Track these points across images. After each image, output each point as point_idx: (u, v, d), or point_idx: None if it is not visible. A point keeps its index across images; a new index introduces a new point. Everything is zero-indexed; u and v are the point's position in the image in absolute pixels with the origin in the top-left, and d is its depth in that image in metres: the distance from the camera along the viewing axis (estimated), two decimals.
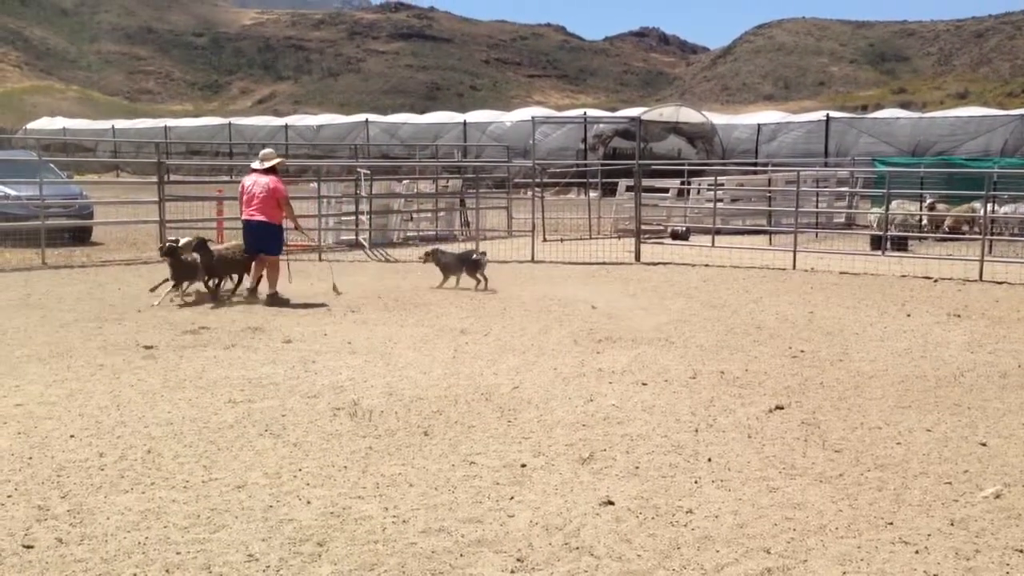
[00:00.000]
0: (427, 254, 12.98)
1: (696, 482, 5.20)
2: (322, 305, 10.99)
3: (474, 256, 12.80)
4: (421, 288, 12.56)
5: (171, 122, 55.67)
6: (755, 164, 30.45)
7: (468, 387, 7.22)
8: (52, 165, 20.25)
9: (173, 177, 18.34)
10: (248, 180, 11.43)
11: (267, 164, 11.46)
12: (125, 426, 6.05)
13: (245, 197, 11.35)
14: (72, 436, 5.81)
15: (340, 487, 5.06)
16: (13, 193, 17.09)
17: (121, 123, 57.61)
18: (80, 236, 17.54)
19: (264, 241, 11.29)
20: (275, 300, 11.04)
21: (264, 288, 11.24)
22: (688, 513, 4.75)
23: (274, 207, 11.24)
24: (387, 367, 7.87)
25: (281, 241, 11.63)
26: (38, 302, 10.89)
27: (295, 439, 5.86)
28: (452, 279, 12.58)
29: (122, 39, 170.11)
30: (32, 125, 59.68)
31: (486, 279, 12.49)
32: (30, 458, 5.39)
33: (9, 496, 4.81)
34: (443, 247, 13.88)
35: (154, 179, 16.59)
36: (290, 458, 5.50)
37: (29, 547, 4.23)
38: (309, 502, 4.83)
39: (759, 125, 35.92)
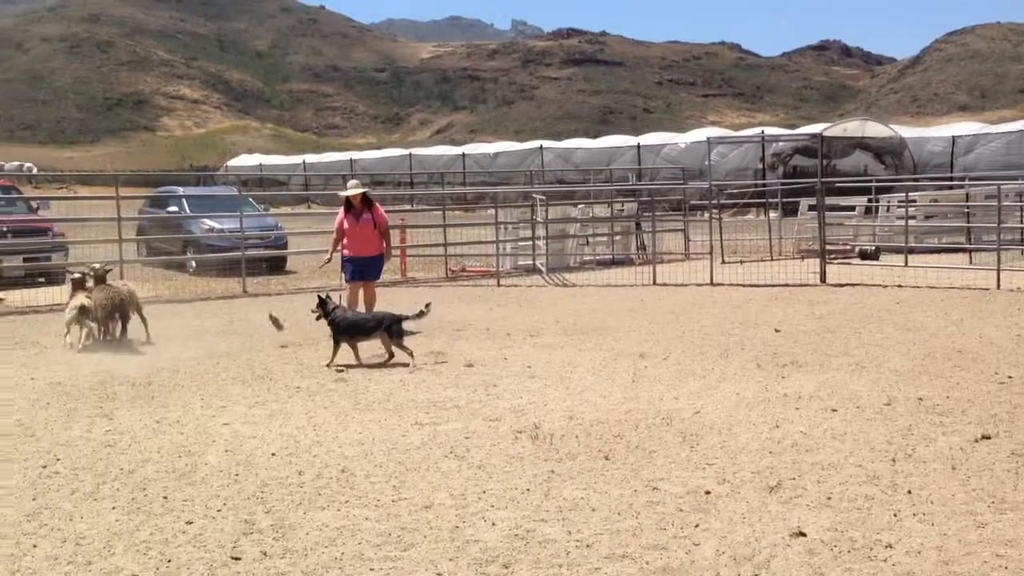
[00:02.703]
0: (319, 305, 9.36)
1: (895, 515, 4.93)
2: (503, 331, 11.17)
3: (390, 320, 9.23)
4: (600, 312, 12.57)
5: (356, 155, 58.20)
6: (950, 179, 28.78)
7: (648, 411, 7.15)
8: (251, 199, 21.61)
9: None
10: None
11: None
12: (320, 446, 6.34)
13: None
14: (273, 454, 6.14)
15: (523, 510, 5.10)
16: (217, 226, 18.36)
17: (311, 157, 60.76)
18: (276, 265, 18.59)
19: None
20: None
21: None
22: (887, 548, 4.51)
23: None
24: (567, 391, 7.90)
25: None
26: (240, 328, 11.60)
27: (479, 461, 5.97)
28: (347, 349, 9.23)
29: (311, 78, 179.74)
30: (232, 162, 63.94)
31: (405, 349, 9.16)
32: (236, 475, 5.73)
33: (219, 510, 5.12)
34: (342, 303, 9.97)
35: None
36: (474, 480, 5.61)
37: (237, 559, 4.49)
38: (494, 524, 4.90)
39: (953, 137, 33.95)
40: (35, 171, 64.09)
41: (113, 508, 5.14)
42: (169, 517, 5.00)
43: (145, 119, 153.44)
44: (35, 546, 4.62)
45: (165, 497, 5.31)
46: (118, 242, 14.90)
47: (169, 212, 19.64)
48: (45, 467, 5.87)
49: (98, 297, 10.22)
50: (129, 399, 7.70)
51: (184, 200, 19.89)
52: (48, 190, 49.03)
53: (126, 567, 4.39)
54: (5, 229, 15.89)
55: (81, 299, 10.14)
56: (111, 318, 10.31)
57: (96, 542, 4.67)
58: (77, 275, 10.79)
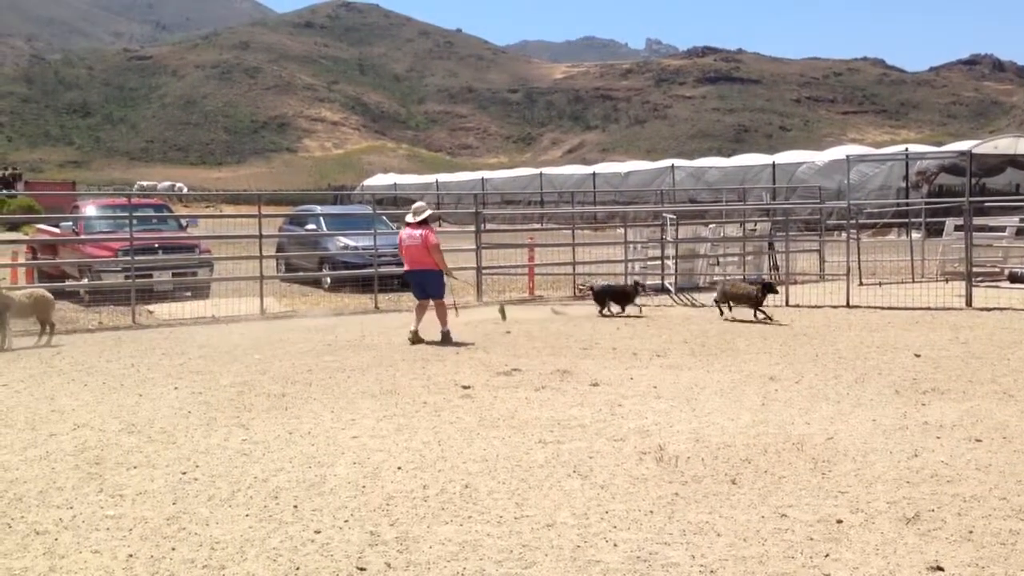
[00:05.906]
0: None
1: None
2: (628, 351, 11.09)
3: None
4: (729, 333, 12.32)
5: (487, 174, 59.08)
6: None
7: (778, 436, 6.94)
8: (384, 218, 22.17)
9: (489, 226, 19.41)
10: (404, 233, 12.42)
11: (419, 217, 12.34)
12: (445, 461, 6.41)
13: (403, 250, 12.37)
14: (399, 468, 6.25)
15: (646, 532, 5.03)
16: (352, 244, 18.90)
17: (443, 177, 62.05)
18: (407, 282, 18.95)
19: (430, 287, 12.20)
20: (447, 338, 11.88)
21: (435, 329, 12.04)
22: None
23: (427, 255, 12.12)
24: (693, 412, 7.77)
25: (443, 284, 12.31)
26: (372, 343, 11.89)
27: (602, 481, 5.92)
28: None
29: (446, 99, 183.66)
30: (368, 182, 65.97)
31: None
32: (363, 487, 5.86)
33: (346, 521, 5.25)
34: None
35: (472, 228, 17.64)
36: (597, 500, 5.57)
37: (362, 569, 4.58)
38: (616, 545, 4.85)
39: None
40: (185, 190, 67.65)
41: (246, 515, 5.34)
42: (298, 526, 5.16)
43: (288, 141, 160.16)
44: (173, 549, 4.84)
45: (295, 506, 5.47)
46: (259, 259, 15.51)
47: (307, 230, 20.37)
48: (184, 473, 6.15)
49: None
50: (264, 410, 7.99)
51: (321, 218, 20.59)
52: (196, 208, 51.70)
53: (257, 573, 4.54)
54: (156, 245, 16.77)
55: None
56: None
57: (230, 547, 4.85)
58: None
